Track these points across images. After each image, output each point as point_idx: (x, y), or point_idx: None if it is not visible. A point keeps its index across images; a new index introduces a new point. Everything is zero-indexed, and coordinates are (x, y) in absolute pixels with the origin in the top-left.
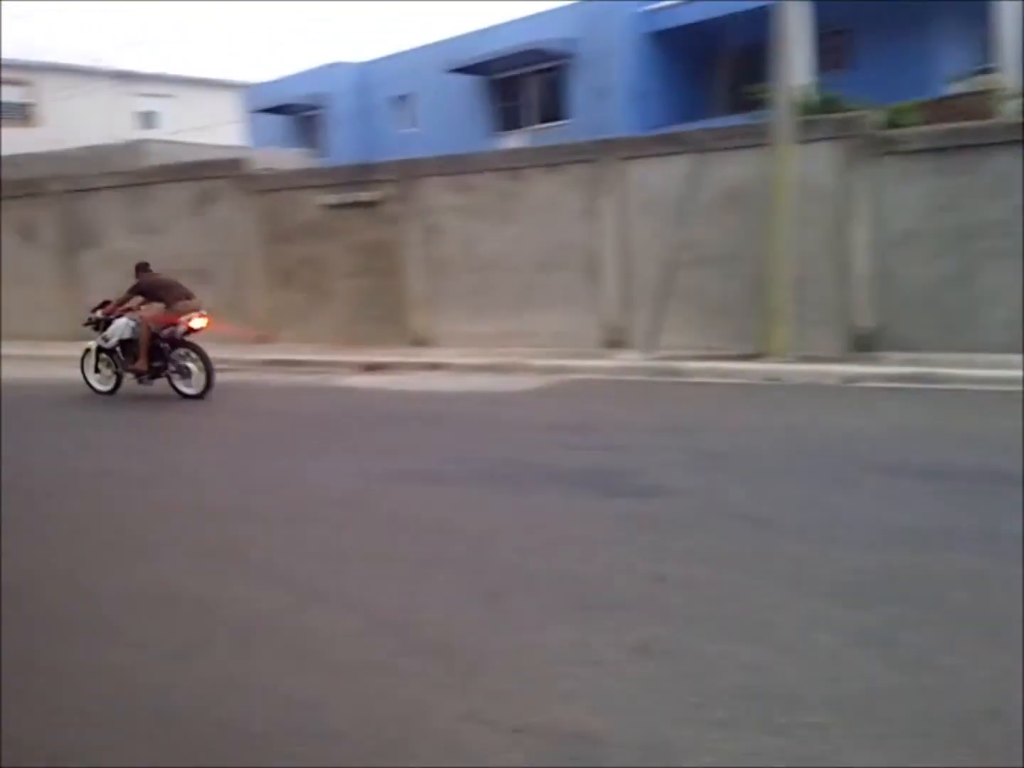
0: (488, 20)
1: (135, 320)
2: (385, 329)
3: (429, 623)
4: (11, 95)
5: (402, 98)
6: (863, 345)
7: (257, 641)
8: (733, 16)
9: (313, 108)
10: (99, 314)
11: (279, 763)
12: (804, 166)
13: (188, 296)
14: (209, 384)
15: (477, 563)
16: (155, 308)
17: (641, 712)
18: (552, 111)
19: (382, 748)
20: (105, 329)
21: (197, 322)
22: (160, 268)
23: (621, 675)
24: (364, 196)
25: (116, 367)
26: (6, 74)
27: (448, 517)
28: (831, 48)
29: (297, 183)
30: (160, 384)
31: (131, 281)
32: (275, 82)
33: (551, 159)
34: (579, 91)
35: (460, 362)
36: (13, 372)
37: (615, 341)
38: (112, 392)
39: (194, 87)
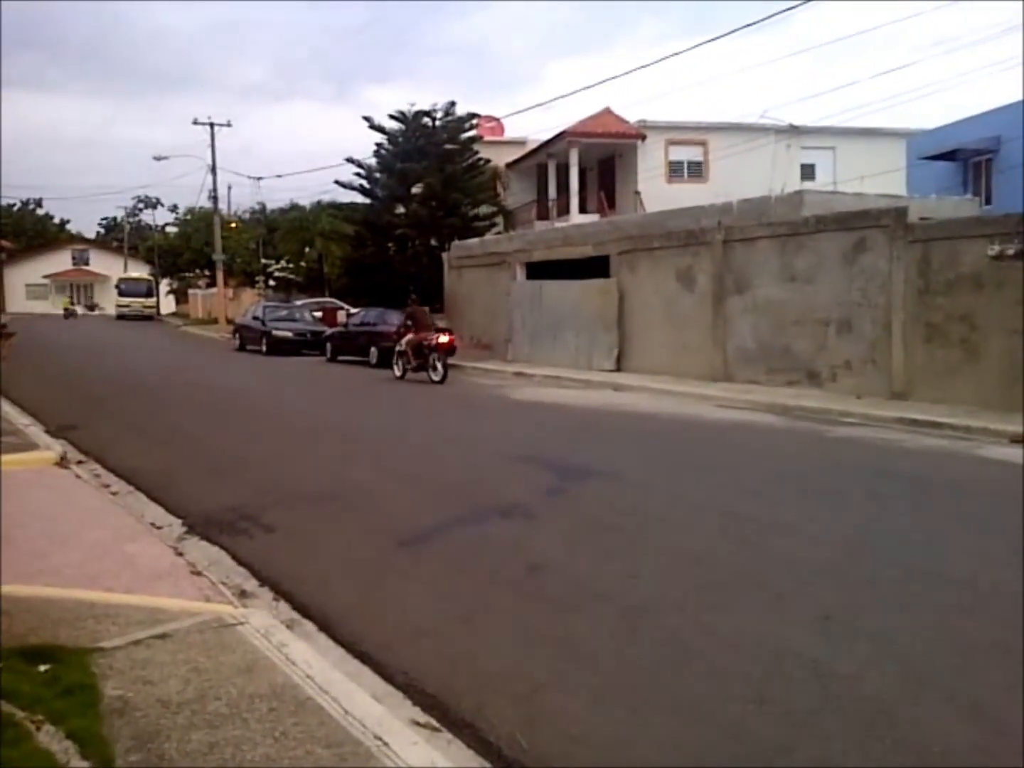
0: None
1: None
2: None
3: None
4: (688, 154)
5: None
6: None
7: (860, 729)
8: None
9: (984, 152)
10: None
11: None
12: None
13: (430, 326)
14: (445, 376)
15: None
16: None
17: None
18: None
19: None
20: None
21: (442, 338)
22: (800, 316)
23: None
24: None
25: (405, 362)
26: (686, 135)
27: None
28: None
29: (958, 232)
30: None
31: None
32: (945, 127)
33: None
34: None
35: None
36: (660, 405)
37: None
38: (402, 378)
39: (857, 137)
